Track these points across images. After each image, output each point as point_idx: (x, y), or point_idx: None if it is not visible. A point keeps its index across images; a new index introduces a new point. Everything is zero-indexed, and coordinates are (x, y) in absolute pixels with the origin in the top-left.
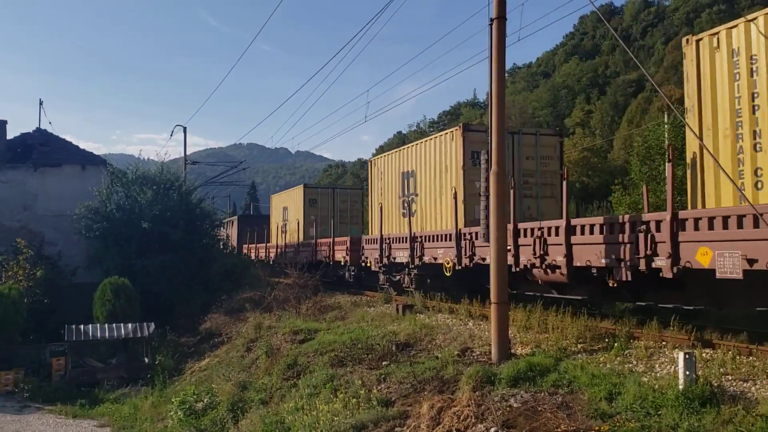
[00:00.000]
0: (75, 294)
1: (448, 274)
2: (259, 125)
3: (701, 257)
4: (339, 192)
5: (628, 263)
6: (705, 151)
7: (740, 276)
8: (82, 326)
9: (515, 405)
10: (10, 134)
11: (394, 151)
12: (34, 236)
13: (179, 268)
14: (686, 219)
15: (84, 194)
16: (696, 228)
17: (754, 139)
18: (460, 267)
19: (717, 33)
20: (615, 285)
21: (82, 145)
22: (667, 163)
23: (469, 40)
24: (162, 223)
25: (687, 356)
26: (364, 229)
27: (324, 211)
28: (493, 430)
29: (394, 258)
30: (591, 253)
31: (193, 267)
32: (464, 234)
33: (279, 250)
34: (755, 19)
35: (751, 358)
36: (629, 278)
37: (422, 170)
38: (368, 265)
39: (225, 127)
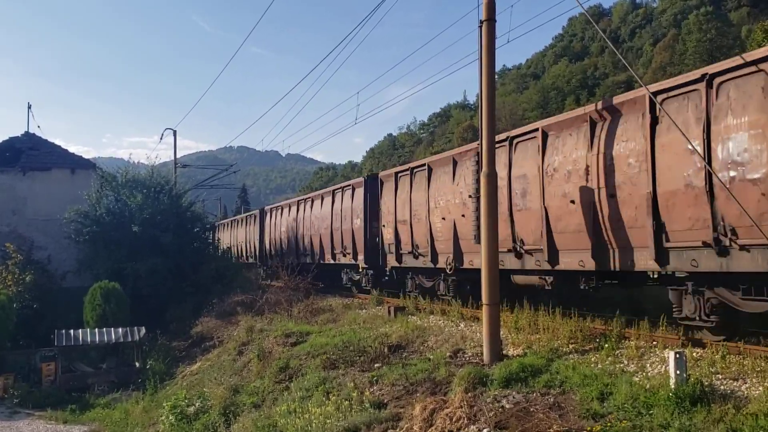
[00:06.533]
0: (65, 299)
1: None
2: (249, 128)
3: None
4: None
5: None
6: None
7: None
8: (72, 331)
9: (507, 406)
10: None
11: None
12: (24, 241)
13: (170, 271)
14: None
15: (73, 198)
16: None
17: None
18: None
19: None
20: None
21: (71, 149)
22: None
23: (459, 42)
24: (152, 226)
25: (678, 356)
26: None
27: None
28: (485, 431)
29: None
30: None
31: (184, 270)
32: None
33: None
34: None
35: (740, 356)
36: None
37: None
38: None
39: (215, 130)
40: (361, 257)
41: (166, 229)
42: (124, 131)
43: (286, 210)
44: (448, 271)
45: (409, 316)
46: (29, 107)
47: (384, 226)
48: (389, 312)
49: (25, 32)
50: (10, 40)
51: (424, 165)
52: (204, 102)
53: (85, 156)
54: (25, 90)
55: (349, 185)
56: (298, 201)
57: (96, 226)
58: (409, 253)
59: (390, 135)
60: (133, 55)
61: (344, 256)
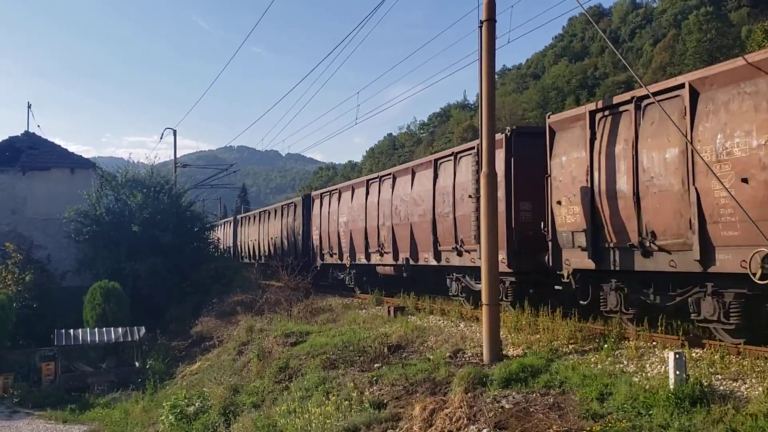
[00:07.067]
0: (65, 298)
1: None
2: (249, 128)
3: None
4: None
5: None
6: None
7: None
8: (71, 330)
9: (507, 406)
10: None
11: None
12: (23, 240)
13: (170, 271)
14: None
15: (73, 198)
16: None
17: None
18: None
19: None
20: None
21: (71, 149)
22: None
23: (459, 42)
24: (152, 226)
25: (677, 356)
26: None
27: None
28: (485, 431)
29: None
30: None
31: (184, 270)
32: None
33: None
34: None
35: (739, 357)
36: None
37: None
38: None
39: (215, 130)
40: (499, 256)
41: (165, 228)
42: (124, 131)
43: (347, 193)
44: None
45: (409, 316)
46: (29, 107)
47: (559, 203)
48: (389, 312)
49: (25, 32)
50: (10, 40)
51: (739, 67)
52: (204, 102)
53: (85, 155)
54: (25, 90)
55: (470, 149)
56: (368, 180)
57: (96, 226)
58: (633, 247)
59: (390, 135)
60: (133, 55)
61: (459, 255)
